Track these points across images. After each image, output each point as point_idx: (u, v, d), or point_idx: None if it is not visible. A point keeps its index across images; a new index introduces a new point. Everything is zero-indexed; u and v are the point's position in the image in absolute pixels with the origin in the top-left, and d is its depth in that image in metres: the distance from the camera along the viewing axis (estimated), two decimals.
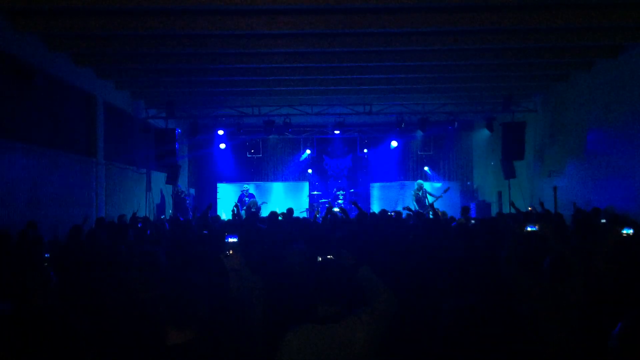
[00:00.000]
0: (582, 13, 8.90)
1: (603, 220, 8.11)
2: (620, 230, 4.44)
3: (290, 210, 11.15)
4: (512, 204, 10.00)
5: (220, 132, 17.78)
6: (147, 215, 14.91)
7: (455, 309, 2.24)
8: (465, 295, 2.47)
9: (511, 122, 15.39)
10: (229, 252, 3.10)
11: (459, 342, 2.18)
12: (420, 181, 17.34)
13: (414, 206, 15.98)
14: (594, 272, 4.03)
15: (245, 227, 7.96)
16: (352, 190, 19.74)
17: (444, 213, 12.55)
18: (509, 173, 15.33)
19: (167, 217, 14.80)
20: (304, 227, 7.97)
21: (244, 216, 12.44)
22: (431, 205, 12.62)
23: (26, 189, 9.61)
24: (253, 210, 15.88)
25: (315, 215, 12.29)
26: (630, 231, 4.45)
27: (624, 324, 2.09)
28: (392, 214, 10.94)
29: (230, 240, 3.16)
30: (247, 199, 17.69)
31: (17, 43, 9.30)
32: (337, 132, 17.61)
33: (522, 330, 3.33)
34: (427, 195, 16.44)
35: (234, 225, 8.88)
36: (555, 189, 12.71)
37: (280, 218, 9.75)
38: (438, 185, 18.87)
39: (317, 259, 3.14)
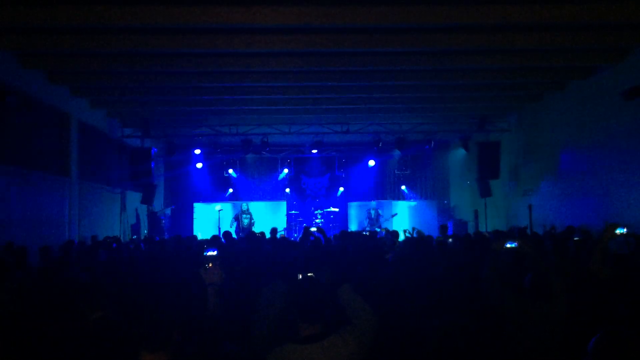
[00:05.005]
0: (554, 35, 9.10)
1: (576, 238, 8.20)
2: (614, 231, 4.59)
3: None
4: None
5: (197, 152, 17.64)
6: (121, 235, 14.63)
7: (444, 328, 2.21)
8: (449, 314, 2.44)
9: (486, 141, 15.59)
10: (208, 265, 3.01)
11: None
12: (373, 202, 18.54)
13: (367, 224, 17.56)
14: (589, 273, 4.13)
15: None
16: (330, 208, 19.62)
17: (420, 232, 12.56)
18: (485, 192, 15.49)
19: (142, 238, 14.55)
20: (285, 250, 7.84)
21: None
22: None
23: None
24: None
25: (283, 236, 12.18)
26: (624, 230, 4.65)
27: (597, 340, 2.08)
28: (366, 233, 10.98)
29: (210, 253, 3.07)
30: (244, 215, 17.82)
31: None
32: (314, 151, 17.59)
33: (506, 348, 3.31)
34: (379, 217, 17.42)
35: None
36: (530, 207, 12.88)
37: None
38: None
39: (297, 277, 3.07)
